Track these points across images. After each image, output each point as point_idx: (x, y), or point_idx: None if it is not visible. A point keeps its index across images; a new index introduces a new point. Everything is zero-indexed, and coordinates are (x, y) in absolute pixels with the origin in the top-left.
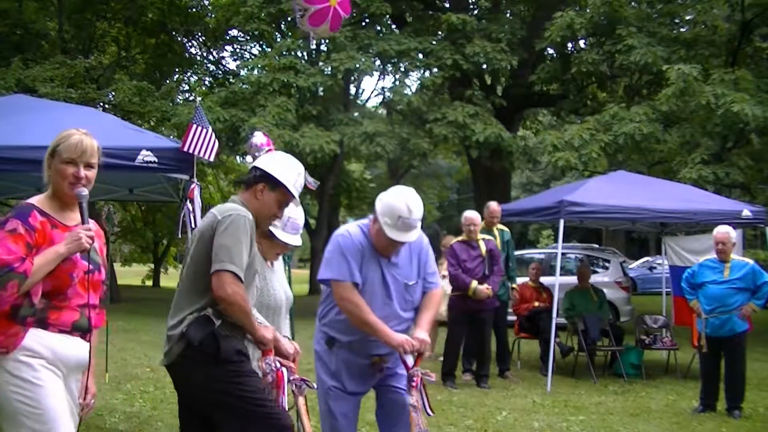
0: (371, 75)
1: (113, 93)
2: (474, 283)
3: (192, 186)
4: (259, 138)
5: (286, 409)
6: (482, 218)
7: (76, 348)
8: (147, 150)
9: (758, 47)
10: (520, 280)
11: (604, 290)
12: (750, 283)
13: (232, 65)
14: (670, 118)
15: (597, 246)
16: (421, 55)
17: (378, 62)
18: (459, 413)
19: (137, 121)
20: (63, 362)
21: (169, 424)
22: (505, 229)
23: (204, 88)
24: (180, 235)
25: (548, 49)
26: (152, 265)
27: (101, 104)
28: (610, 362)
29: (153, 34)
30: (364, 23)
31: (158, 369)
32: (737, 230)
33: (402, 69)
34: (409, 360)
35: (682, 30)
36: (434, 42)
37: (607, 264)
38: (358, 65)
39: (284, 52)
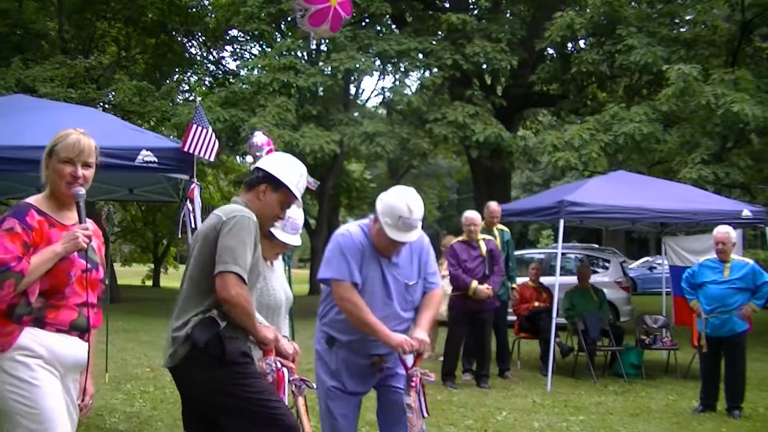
0: (371, 75)
1: (113, 93)
2: (474, 283)
3: (192, 186)
4: (259, 138)
5: None
6: (482, 218)
7: (73, 348)
8: (147, 150)
9: (758, 47)
10: (520, 280)
11: (604, 290)
12: (750, 283)
13: (232, 65)
14: (670, 118)
15: (597, 246)
16: (421, 55)
17: (378, 62)
18: (459, 413)
19: (137, 121)
20: (60, 362)
21: (169, 424)
22: (505, 229)
23: (204, 88)
24: (180, 235)
25: (548, 49)
26: (152, 265)
27: (101, 104)
28: (610, 362)
29: (153, 34)
30: (364, 23)
31: (158, 369)
32: (737, 230)
33: (402, 69)
34: (409, 360)
35: (682, 30)
36: (434, 42)
37: (607, 264)
38: (358, 65)
39: (284, 52)
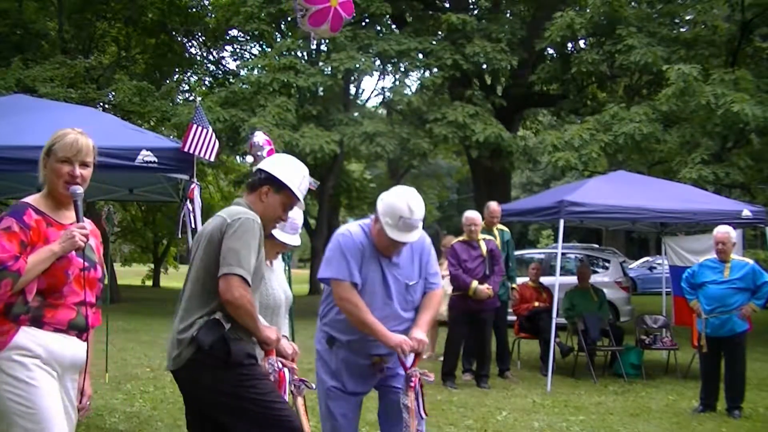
0: (371, 75)
1: (113, 93)
2: (474, 283)
3: (192, 186)
4: (260, 137)
5: None
6: (482, 218)
7: (71, 347)
8: (147, 150)
9: (758, 47)
10: (520, 280)
11: (604, 290)
12: (750, 283)
13: (232, 65)
14: (670, 118)
15: (597, 246)
16: (421, 55)
17: (378, 62)
18: (459, 413)
19: (137, 121)
20: (58, 362)
21: (169, 424)
22: (505, 229)
23: (204, 88)
24: (180, 235)
25: (548, 49)
26: (152, 265)
27: (101, 104)
28: (610, 362)
29: (153, 34)
30: (364, 23)
31: (158, 369)
32: (737, 230)
33: (402, 69)
34: (408, 360)
35: (682, 30)
36: (434, 42)
37: (607, 264)
38: (358, 65)
39: (284, 52)
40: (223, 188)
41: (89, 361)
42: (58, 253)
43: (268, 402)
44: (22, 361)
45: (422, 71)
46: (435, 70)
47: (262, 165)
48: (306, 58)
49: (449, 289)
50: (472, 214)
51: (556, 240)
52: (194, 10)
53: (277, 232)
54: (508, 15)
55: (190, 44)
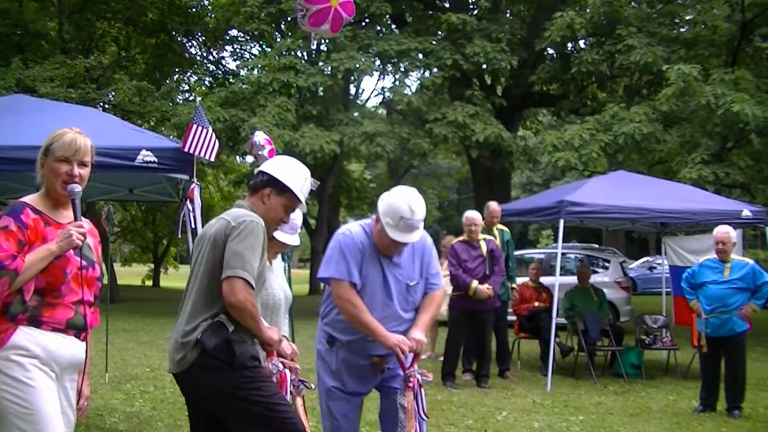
0: (371, 75)
1: (113, 93)
2: (475, 283)
3: (192, 186)
4: (261, 137)
5: None
6: (482, 218)
7: (70, 347)
8: (147, 150)
9: (758, 47)
10: (520, 280)
11: (604, 290)
12: (750, 283)
13: (232, 65)
14: (670, 118)
15: (597, 246)
16: (421, 55)
17: (378, 62)
18: (459, 413)
19: (137, 121)
20: (56, 361)
21: (169, 424)
22: (505, 229)
23: (204, 88)
24: (180, 235)
25: (548, 49)
26: (152, 265)
27: (101, 104)
28: (610, 362)
29: (153, 34)
30: (364, 23)
31: (158, 369)
32: (737, 230)
33: (402, 69)
34: (407, 360)
35: (682, 30)
36: (434, 42)
37: (607, 264)
38: (358, 65)
39: (284, 52)
40: (223, 188)
41: (88, 361)
42: (55, 252)
43: (272, 404)
44: (20, 361)
45: (422, 71)
46: (435, 70)
47: (263, 167)
48: (306, 58)
49: (449, 289)
50: (472, 214)
51: (556, 240)
52: (194, 10)
53: (276, 232)
54: (508, 15)
55: (190, 44)
